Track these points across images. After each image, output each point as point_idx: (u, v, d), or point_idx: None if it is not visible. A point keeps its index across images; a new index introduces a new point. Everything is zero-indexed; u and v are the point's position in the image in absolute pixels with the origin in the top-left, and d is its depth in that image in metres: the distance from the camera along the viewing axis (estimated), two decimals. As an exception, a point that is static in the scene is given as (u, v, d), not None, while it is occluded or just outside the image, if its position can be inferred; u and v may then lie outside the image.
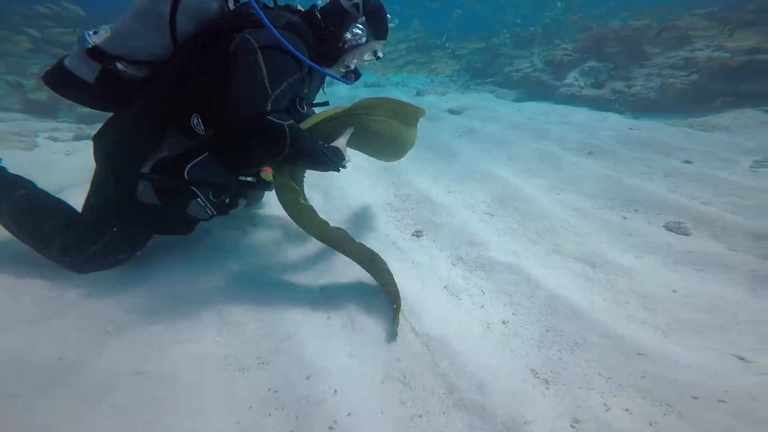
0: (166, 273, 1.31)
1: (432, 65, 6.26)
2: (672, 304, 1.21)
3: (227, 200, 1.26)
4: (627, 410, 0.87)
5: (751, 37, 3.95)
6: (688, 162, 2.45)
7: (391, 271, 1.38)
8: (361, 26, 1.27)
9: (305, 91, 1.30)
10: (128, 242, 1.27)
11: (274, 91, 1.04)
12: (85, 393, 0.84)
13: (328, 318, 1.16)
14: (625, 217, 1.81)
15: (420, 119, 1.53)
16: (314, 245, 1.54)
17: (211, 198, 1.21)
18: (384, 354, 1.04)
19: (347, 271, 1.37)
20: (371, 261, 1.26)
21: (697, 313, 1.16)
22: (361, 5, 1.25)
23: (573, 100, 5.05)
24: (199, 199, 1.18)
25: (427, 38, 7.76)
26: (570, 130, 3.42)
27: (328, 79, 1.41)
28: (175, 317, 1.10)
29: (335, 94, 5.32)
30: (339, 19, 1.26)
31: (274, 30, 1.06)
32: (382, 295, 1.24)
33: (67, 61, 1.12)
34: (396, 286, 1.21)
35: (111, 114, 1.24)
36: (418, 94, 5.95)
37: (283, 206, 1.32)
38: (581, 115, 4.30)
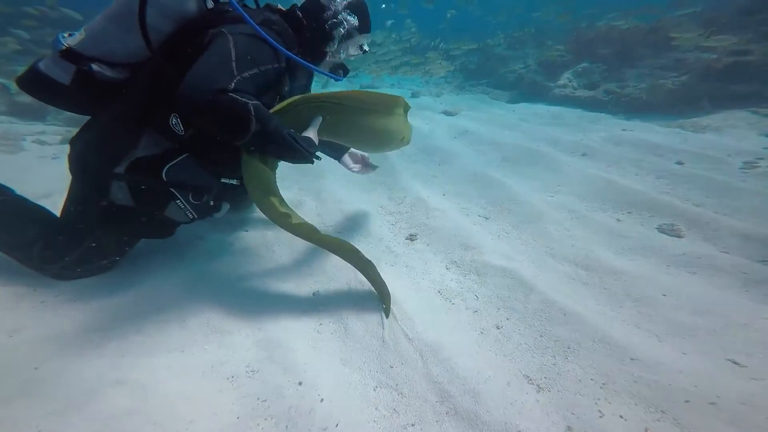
0: (153, 279, 1.29)
1: (426, 66, 6.29)
2: (665, 307, 1.21)
3: (210, 203, 1.23)
4: (621, 416, 0.86)
5: (729, 39, 4.02)
6: (680, 163, 2.47)
7: (385, 275, 1.37)
8: (343, 21, 1.25)
9: (285, 88, 1.25)
10: (110, 248, 1.24)
11: (242, 73, 0.99)
12: (61, 404, 0.81)
13: (320, 324, 1.15)
14: (618, 219, 1.82)
15: (408, 109, 1.49)
16: (306, 250, 1.52)
17: (191, 200, 1.18)
18: (376, 361, 1.02)
19: (339, 276, 1.36)
20: (351, 253, 1.22)
21: (690, 316, 1.16)
22: (341, 0, 1.25)
23: (566, 101, 5.09)
24: (178, 201, 1.16)
25: (420, 39, 7.78)
26: (563, 131, 3.45)
27: (322, 79, 1.40)
28: (162, 324, 1.08)
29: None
30: (320, 15, 1.25)
31: (252, 22, 1.04)
32: (374, 301, 1.23)
33: (41, 64, 1.09)
34: (381, 281, 1.20)
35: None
36: (413, 95, 5.96)
37: (253, 200, 1.20)
38: (574, 116, 4.34)
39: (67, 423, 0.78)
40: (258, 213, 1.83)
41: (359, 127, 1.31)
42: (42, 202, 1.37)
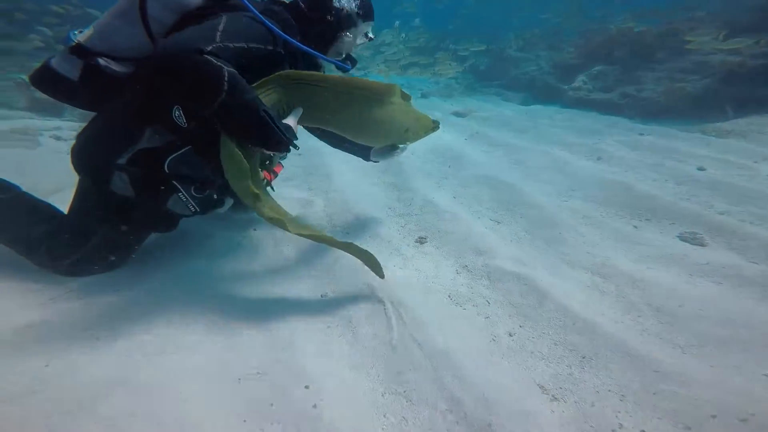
0: (162, 277, 1.30)
1: (435, 67, 6.30)
2: (689, 318, 1.17)
3: (212, 197, 1.23)
4: (643, 431, 0.83)
5: (746, 41, 3.92)
6: (701, 169, 2.41)
7: (394, 278, 1.36)
8: (346, 9, 1.25)
9: None
10: (117, 244, 1.25)
11: (225, 42, 0.95)
12: (71, 403, 0.82)
13: (328, 327, 1.14)
14: (636, 226, 1.78)
15: (408, 99, 1.45)
16: (314, 251, 1.52)
17: (194, 193, 1.18)
18: (385, 366, 1.02)
19: (348, 278, 1.35)
20: (330, 240, 1.19)
21: (716, 328, 1.13)
22: None
23: (581, 104, 5.03)
24: (180, 194, 1.16)
25: (429, 39, 7.80)
26: (578, 134, 3.40)
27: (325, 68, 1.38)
28: (170, 323, 1.09)
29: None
30: (323, 4, 1.24)
31: (252, 6, 1.04)
32: (383, 304, 1.22)
33: (52, 61, 1.12)
34: (366, 252, 1.22)
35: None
36: (423, 95, 5.97)
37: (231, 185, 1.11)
38: (589, 119, 4.28)
39: (76, 423, 0.78)
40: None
41: (347, 115, 1.25)
42: (54, 197, 1.40)
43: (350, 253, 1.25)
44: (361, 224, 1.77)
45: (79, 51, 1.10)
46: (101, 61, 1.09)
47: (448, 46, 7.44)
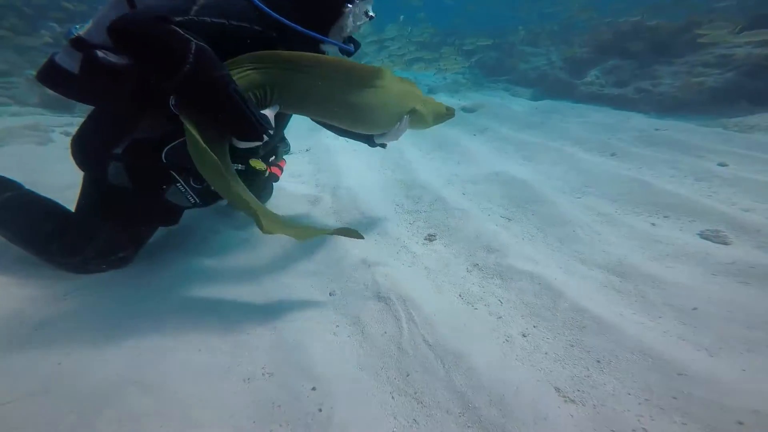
0: (170, 275, 1.30)
1: (441, 62, 6.22)
2: (714, 319, 1.13)
3: (212, 187, 1.19)
4: (665, 437, 0.81)
5: (764, 34, 3.77)
6: (723, 165, 2.33)
7: (403, 276, 1.35)
8: None
9: None
10: (123, 240, 1.25)
11: (201, 16, 0.89)
12: (84, 403, 0.82)
13: (337, 326, 1.13)
14: (653, 224, 1.73)
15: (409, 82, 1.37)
16: (322, 248, 1.51)
17: (193, 184, 1.17)
18: (395, 367, 1.00)
19: (356, 276, 1.34)
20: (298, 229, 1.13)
21: (744, 330, 1.08)
22: None
23: (593, 99, 4.93)
24: (179, 185, 1.15)
25: (434, 35, 7.72)
26: (590, 130, 3.33)
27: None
28: (179, 322, 1.09)
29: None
30: None
31: None
32: (392, 302, 1.20)
33: (56, 57, 1.12)
34: (338, 229, 1.19)
35: None
36: (430, 91, 5.92)
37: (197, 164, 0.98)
38: (602, 114, 4.19)
39: (85, 422, 0.79)
40: (275, 210, 1.82)
41: (330, 103, 1.16)
42: (65, 194, 1.41)
43: (336, 234, 1.23)
44: (369, 221, 1.76)
45: (79, 44, 1.08)
46: (99, 53, 1.07)
47: (454, 41, 7.35)
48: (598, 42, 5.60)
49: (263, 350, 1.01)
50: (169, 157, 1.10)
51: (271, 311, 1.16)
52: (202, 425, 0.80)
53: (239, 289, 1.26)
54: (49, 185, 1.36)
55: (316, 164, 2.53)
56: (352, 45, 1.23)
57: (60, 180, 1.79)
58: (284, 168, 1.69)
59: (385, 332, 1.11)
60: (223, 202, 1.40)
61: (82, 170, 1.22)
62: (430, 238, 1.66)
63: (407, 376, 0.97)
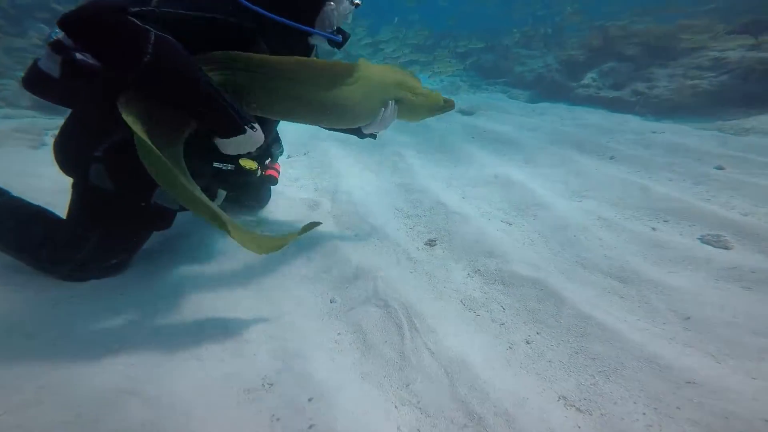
0: (167, 282, 1.28)
1: (435, 65, 6.26)
2: (719, 325, 1.14)
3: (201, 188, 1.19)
4: (674, 446, 0.81)
5: (744, 39, 3.89)
6: (720, 168, 2.37)
7: (404, 282, 1.34)
8: None
9: None
10: (115, 246, 1.22)
11: (162, 7, 0.84)
12: (77, 414, 0.80)
13: (338, 334, 1.12)
14: (654, 228, 1.74)
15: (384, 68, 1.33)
16: (324, 255, 1.50)
17: None
18: (398, 376, 0.99)
19: (358, 283, 1.33)
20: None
21: (751, 336, 1.09)
22: None
23: (590, 101, 4.99)
24: None
25: (428, 37, 7.77)
26: (589, 133, 3.37)
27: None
28: (178, 330, 1.07)
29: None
30: None
31: None
32: (393, 309, 1.20)
33: (40, 62, 1.09)
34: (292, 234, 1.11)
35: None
36: (427, 94, 5.94)
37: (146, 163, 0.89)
38: (599, 117, 4.25)
39: (80, 434, 0.77)
40: (273, 214, 1.82)
41: (301, 105, 1.12)
42: (57, 198, 1.39)
43: (302, 233, 1.19)
44: (369, 226, 1.75)
45: (58, 47, 1.05)
46: (77, 54, 1.04)
47: (448, 43, 7.40)
48: (594, 45, 5.68)
49: (263, 359, 1.00)
50: None
51: (271, 319, 1.15)
52: (202, 439, 0.79)
53: (238, 295, 1.24)
54: (42, 189, 1.33)
55: (314, 168, 2.52)
56: (340, 36, 1.17)
57: (53, 184, 1.75)
58: (280, 171, 1.68)
59: (387, 340, 1.10)
60: (215, 204, 1.38)
61: (65, 174, 1.20)
62: (431, 243, 1.65)
63: (410, 385, 0.96)
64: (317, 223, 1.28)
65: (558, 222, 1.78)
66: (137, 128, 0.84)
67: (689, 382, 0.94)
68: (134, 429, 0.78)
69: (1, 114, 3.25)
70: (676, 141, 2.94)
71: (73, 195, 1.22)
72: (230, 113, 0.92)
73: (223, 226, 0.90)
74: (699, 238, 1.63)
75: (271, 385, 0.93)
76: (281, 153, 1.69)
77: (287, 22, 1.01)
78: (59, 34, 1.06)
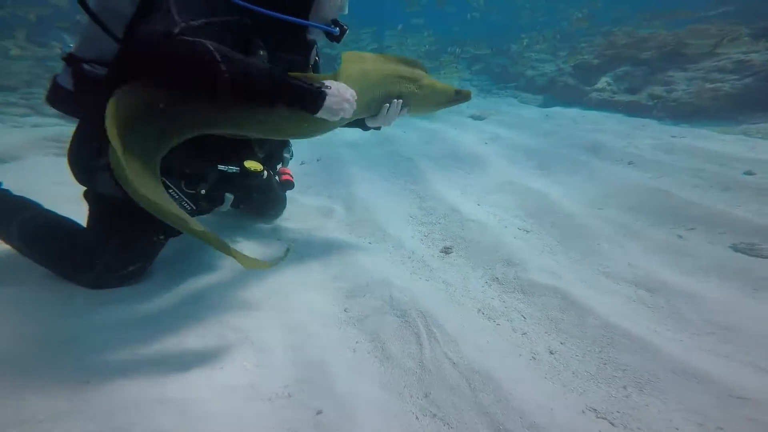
0: (189, 289, 1.31)
1: (441, 71, 6.33)
2: (761, 336, 1.10)
3: (203, 192, 1.19)
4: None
5: (748, 45, 3.82)
6: (749, 173, 2.32)
7: (420, 290, 1.34)
8: None
9: (261, 53, 1.05)
10: (133, 252, 1.25)
11: (187, 21, 0.87)
12: (107, 422, 0.82)
13: (356, 343, 1.13)
14: (680, 236, 1.71)
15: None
16: (339, 262, 1.52)
17: (185, 189, 1.16)
18: (418, 386, 0.99)
19: (375, 290, 1.34)
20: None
21: (798, 349, 1.05)
22: None
23: (604, 105, 4.96)
24: (171, 191, 1.14)
25: (432, 43, 7.88)
26: (605, 138, 3.34)
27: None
28: (202, 338, 1.09)
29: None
30: None
31: None
32: (412, 318, 1.20)
33: (58, 77, 1.13)
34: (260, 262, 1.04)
35: None
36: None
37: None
38: (615, 121, 4.21)
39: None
40: (289, 222, 1.85)
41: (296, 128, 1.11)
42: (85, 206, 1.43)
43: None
44: (383, 233, 1.76)
45: (71, 60, 1.08)
46: (86, 66, 1.07)
47: (454, 50, 7.48)
48: (608, 49, 5.67)
49: (284, 368, 1.01)
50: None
51: (290, 327, 1.16)
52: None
53: (257, 303, 1.26)
54: (71, 197, 1.37)
55: (327, 174, 2.56)
56: (337, 28, 1.16)
57: (78, 190, 1.82)
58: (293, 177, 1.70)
59: (406, 349, 1.10)
60: (223, 208, 1.39)
61: (78, 182, 1.23)
62: (447, 250, 1.65)
63: (432, 396, 0.95)
64: (285, 257, 1.14)
65: (577, 229, 1.76)
66: (114, 150, 0.85)
67: (739, 397, 0.90)
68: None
69: (30, 122, 3.41)
70: (699, 145, 2.89)
71: (88, 204, 1.25)
72: (305, 87, 0.96)
73: (208, 235, 0.90)
74: (731, 247, 1.59)
75: (292, 394, 0.93)
76: (291, 157, 1.72)
77: (278, 15, 0.99)
78: (71, 47, 1.11)
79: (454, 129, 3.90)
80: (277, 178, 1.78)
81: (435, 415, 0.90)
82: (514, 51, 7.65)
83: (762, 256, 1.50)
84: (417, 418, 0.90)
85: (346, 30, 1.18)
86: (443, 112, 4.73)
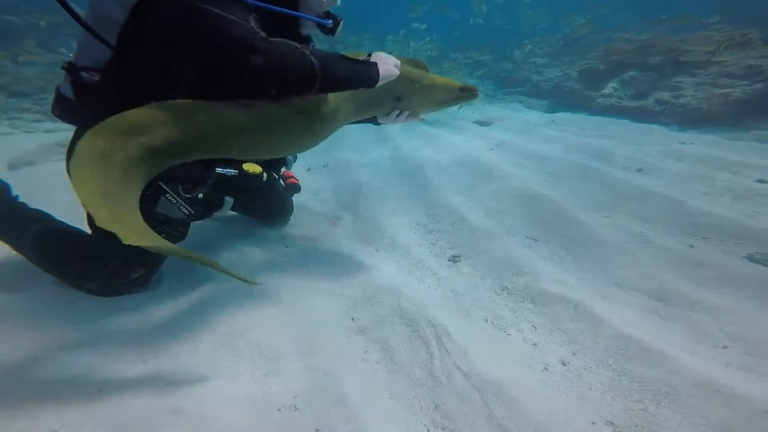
0: (199, 298, 1.32)
1: (444, 75, 6.41)
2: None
3: (200, 196, 1.20)
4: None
5: (744, 53, 3.84)
6: (762, 181, 2.30)
7: (429, 299, 1.34)
8: None
9: None
10: (137, 259, 1.25)
11: (248, 20, 0.89)
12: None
13: (365, 352, 1.13)
14: (692, 246, 1.70)
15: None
16: (348, 271, 1.52)
17: (182, 193, 1.16)
18: (428, 397, 0.99)
19: (383, 299, 1.34)
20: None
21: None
22: None
23: (611, 111, 4.97)
24: (168, 195, 1.14)
25: (433, 48, 7.97)
26: (612, 144, 3.34)
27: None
28: (214, 347, 1.09)
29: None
30: None
31: None
32: (421, 328, 1.20)
33: (61, 88, 1.15)
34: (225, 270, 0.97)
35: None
36: (442, 105, 6.04)
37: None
38: (622, 127, 4.21)
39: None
40: (296, 229, 1.86)
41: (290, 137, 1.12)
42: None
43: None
44: (391, 241, 1.77)
45: (70, 69, 1.09)
46: (84, 73, 1.08)
47: (457, 56, 7.56)
48: (614, 54, 5.70)
49: (294, 377, 1.01)
50: None
51: (299, 336, 1.16)
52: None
53: (267, 312, 1.27)
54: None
55: (334, 181, 2.58)
56: (330, 20, 1.15)
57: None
58: (300, 182, 1.71)
59: (416, 359, 1.10)
60: (222, 212, 1.39)
61: None
62: (455, 259, 1.66)
63: (443, 407, 0.95)
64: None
65: (587, 238, 1.76)
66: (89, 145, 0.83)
67: (766, 412, 0.88)
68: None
69: (42, 128, 3.48)
70: (709, 152, 2.88)
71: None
72: (365, 62, 1.05)
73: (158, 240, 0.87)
74: (746, 257, 1.57)
75: (303, 404, 0.94)
76: (295, 160, 1.73)
77: (267, 6, 0.98)
78: (71, 56, 1.12)
79: (459, 135, 3.92)
80: (282, 182, 1.80)
81: (446, 428, 0.90)
82: (517, 56, 7.71)
83: (779, 267, 1.49)
84: (428, 429, 0.90)
85: (340, 21, 1.17)
86: (448, 117, 4.76)
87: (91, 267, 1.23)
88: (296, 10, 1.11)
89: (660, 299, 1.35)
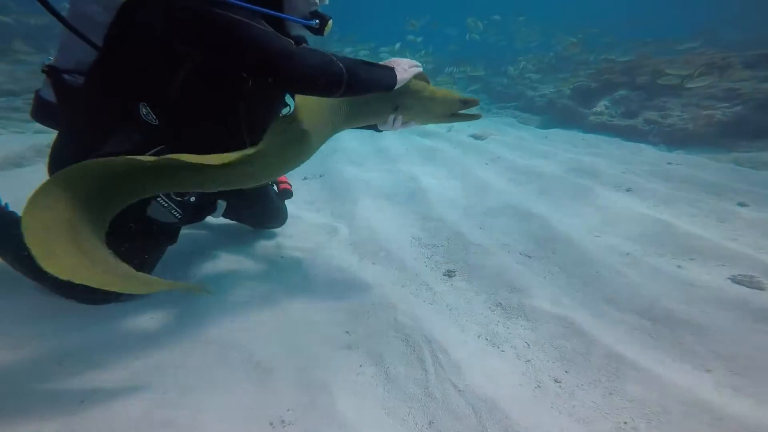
0: (191, 306, 1.31)
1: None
2: (768, 370, 1.13)
3: (191, 199, 1.20)
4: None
5: (712, 79, 4.11)
6: (743, 205, 2.41)
7: (424, 314, 1.36)
8: None
9: None
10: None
11: (268, 29, 0.94)
12: None
13: (360, 366, 1.14)
14: (680, 266, 1.76)
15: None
16: (343, 283, 1.54)
17: (174, 197, 1.16)
18: (423, 413, 1.00)
19: (379, 313, 1.36)
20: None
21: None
22: None
23: (603, 129, 5.16)
24: (159, 199, 1.13)
25: (428, 62, 8.20)
26: (603, 162, 3.46)
27: None
28: (204, 359, 1.09)
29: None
30: None
31: None
32: (415, 342, 1.21)
33: (41, 92, 1.14)
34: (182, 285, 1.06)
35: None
36: (438, 118, 6.17)
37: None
38: (613, 146, 4.37)
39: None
40: (292, 239, 1.86)
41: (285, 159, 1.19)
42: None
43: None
44: (387, 254, 1.79)
45: (51, 71, 1.08)
46: (66, 76, 1.07)
47: (452, 71, 7.78)
48: (605, 72, 5.94)
49: (287, 391, 1.01)
50: None
51: (293, 348, 1.16)
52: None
53: (261, 323, 1.27)
54: None
55: (329, 191, 2.60)
56: (316, 20, 1.11)
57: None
58: (293, 192, 1.72)
59: (410, 375, 1.11)
60: (215, 216, 1.39)
61: None
62: (450, 274, 1.68)
63: (436, 423, 0.96)
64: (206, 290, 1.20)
65: (578, 257, 1.81)
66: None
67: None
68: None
69: (33, 128, 3.43)
70: (694, 174, 3.01)
71: None
72: (384, 66, 1.12)
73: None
74: (730, 278, 1.64)
75: (296, 418, 0.94)
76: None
77: (252, 7, 0.95)
78: (51, 60, 1.11)
79: (455, 148, 4.01)
80: (275, 187, 1.81)
81: (442, 446, 0.91)
82: (511, 72, 7.97)
83: (760, 288, 1.55)
84: (423, 448, 0.91)
85: (328, 20, 1.12)
86: (443, 130, 4.86)
87: None
88: (281, 11, 1.08)
89: (649, 318, 1.40)
